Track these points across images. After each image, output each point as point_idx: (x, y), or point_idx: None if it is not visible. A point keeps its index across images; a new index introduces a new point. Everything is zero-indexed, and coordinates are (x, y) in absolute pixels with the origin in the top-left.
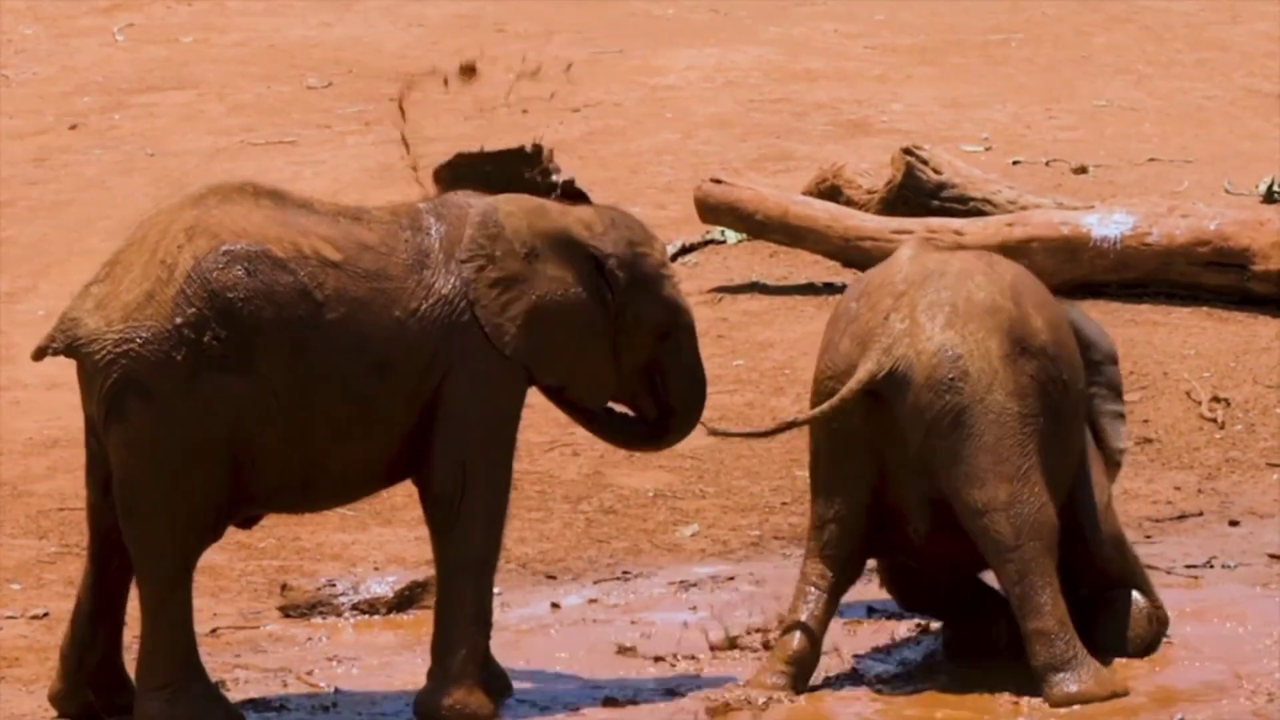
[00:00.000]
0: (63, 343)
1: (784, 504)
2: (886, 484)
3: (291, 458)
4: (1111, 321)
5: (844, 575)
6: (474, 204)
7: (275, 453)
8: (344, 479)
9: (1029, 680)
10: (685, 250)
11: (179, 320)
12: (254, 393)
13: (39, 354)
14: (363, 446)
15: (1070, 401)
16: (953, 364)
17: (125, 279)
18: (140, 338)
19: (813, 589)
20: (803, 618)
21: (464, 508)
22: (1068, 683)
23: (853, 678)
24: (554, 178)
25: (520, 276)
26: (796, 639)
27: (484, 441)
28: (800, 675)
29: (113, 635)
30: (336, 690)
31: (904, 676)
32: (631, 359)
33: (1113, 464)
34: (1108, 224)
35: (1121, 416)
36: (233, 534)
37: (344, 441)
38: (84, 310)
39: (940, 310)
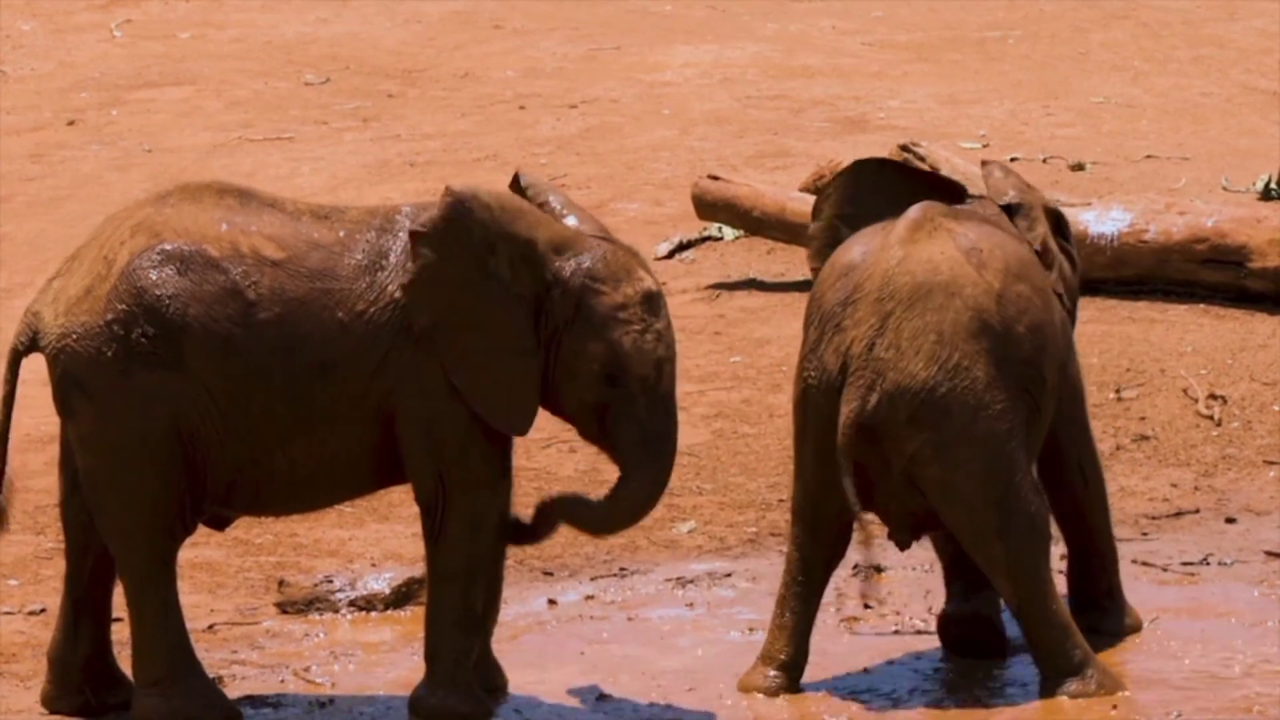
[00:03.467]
0: (26, 338)
1: (781, 501)
2: (870, 493)
3: (237, 456)
4: (1108, 318)
5: (828, 565)
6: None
7: (220, 451)
8: (295, 482)
9: (1031, 678)
10: (682, 247)
11: (110, 316)
12: (188, 390)
13: (13, 356)
14: (310, 448)
15: (1048, 393)
16: (936, 403)
17: (76, 273)
18: (76, 332)
19: (798, 585)
20: (790, 617)
21: (448, 516)
22: (1075, 686)
23: (848, 677)
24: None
25: (461, 268)
26: (786, 639)
27: (458, 450)
28: (792, 675)
29: (99, 633)
30: (333, 686)
31: (900, 675)
32: (574, 394)
33: None
34: (1105, 221)
35: None
36: (230, 530)
37: (288, 442)
38: (43, 304)
39: (925, 339)
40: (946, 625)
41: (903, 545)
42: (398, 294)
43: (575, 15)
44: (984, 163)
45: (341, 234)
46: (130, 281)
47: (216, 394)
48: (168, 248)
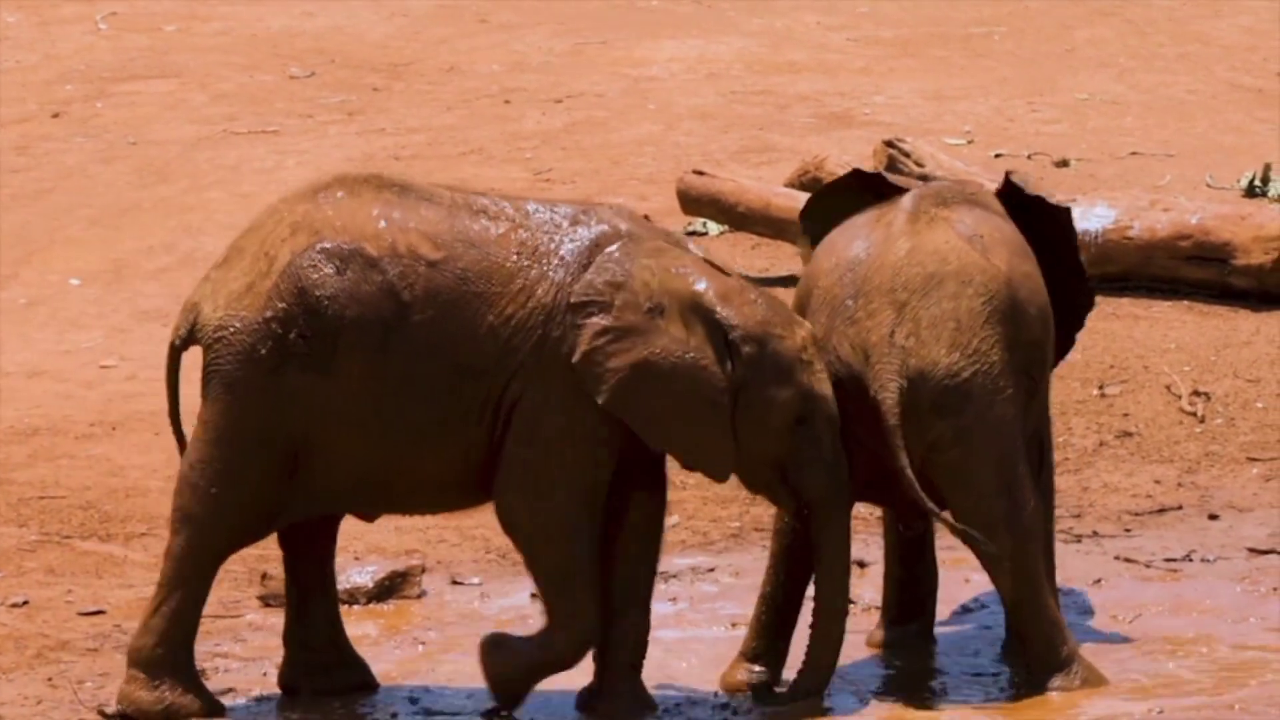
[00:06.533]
0: (185, 330)
1: None
2: (874, 477)
3: (370, 458)
4: (1092, 315)
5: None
6: (620, 230)
7: (352, 453)
8: (425, 483)
9: (1020, 676)
10: None
11: (269, 314)
12: (332, 393)
13: (172, 351)
14: (442, 451)
15: (1046, 374)
16: (957, 388)
17: (236, 266)
18: (234, 327)
19: (781, 578)
20: (773, 613)
21: (535, 526)
22: (1060, 681)
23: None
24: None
25: (636, 329)
26: (768, 636)
27: (560, 461)
28: (774, 672)
29: (329, 612)
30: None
31: (885, 671)
32: (759, 445)
33: None
34: (1089, 218)
35: None
36: None
37: (422, 444)
38: (202, 295)
39: (945, 326)
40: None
41: (912, 530)
42: (545, 300)
43: (561, 10)
44: (1009, 172)
45: (496, 232)
46: (292, 281)
47: (361, 396)
48: (328, 246)
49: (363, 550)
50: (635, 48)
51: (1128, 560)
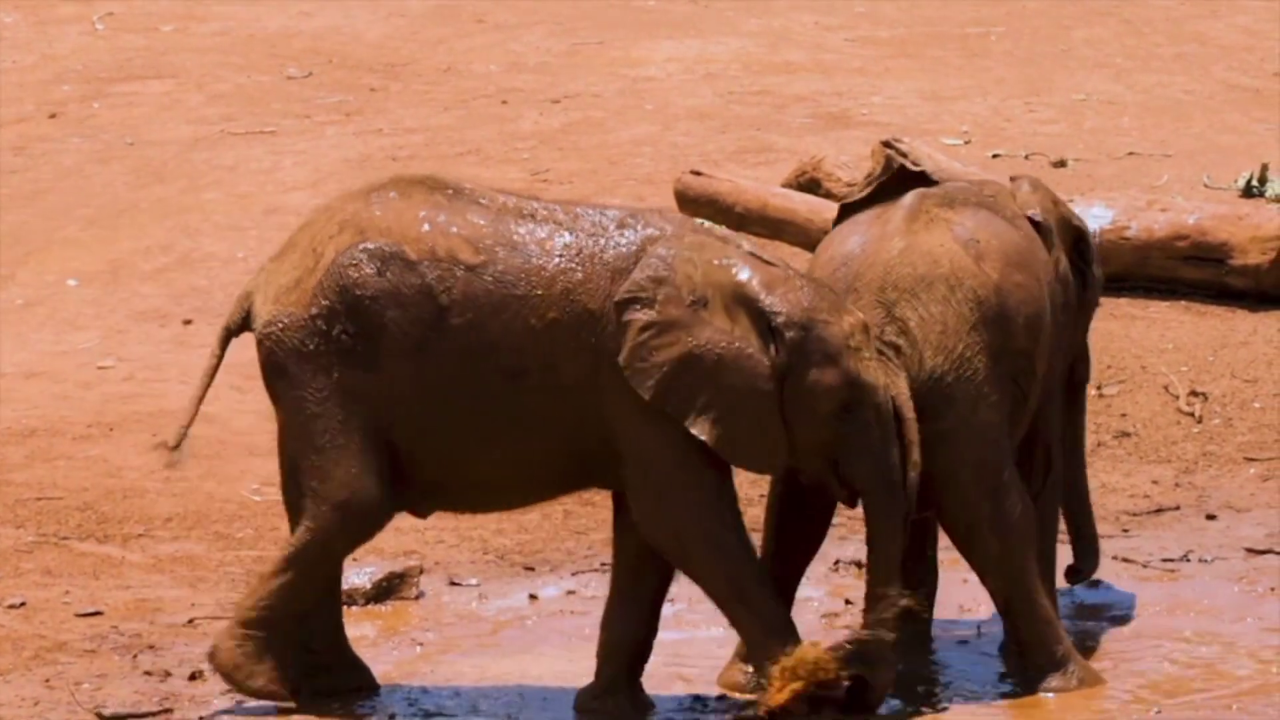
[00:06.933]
0: (239, 318)
1: (762, 496)
2: None
3: (434, 459)
4: None
5: (805, 559)
6: (666, 231)
7: (415, 452)
8: (492, 484)
9: (1017, 676)
10: None
11: (314, 310)
12: (383, 391)
13: (224, 334)
14: (506, 453)
15: (1037, 383)
16: (941, 392)
17: (288, 260)
18: (283, 321)
19: (775, 577)
20: None
21: (682, 550)
22: (1056, 681)
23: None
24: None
25: (679, 323)
26: None
27: (672, 477)
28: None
29: (331, 614)
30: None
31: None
32: (807, 433)
33: None
34: (1086, 218)
35: None
36: (211, 523)
37: (483, 446)
38: (255, 285)
39: (932, 329)
40: None
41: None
42: (591, 306)
43: (558, 10)
44: (1013, 177)
45: (540, 236)
46: (334, 279)
47: (410, 397)
48: (370, 247)
49: (360, 551)
50: (632, 48)
51: (1126, 560)
